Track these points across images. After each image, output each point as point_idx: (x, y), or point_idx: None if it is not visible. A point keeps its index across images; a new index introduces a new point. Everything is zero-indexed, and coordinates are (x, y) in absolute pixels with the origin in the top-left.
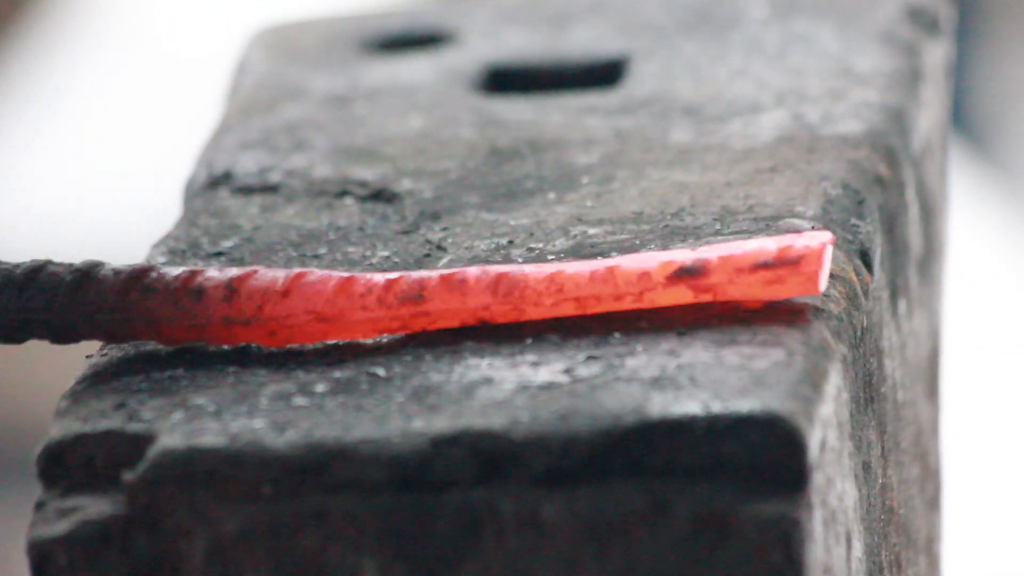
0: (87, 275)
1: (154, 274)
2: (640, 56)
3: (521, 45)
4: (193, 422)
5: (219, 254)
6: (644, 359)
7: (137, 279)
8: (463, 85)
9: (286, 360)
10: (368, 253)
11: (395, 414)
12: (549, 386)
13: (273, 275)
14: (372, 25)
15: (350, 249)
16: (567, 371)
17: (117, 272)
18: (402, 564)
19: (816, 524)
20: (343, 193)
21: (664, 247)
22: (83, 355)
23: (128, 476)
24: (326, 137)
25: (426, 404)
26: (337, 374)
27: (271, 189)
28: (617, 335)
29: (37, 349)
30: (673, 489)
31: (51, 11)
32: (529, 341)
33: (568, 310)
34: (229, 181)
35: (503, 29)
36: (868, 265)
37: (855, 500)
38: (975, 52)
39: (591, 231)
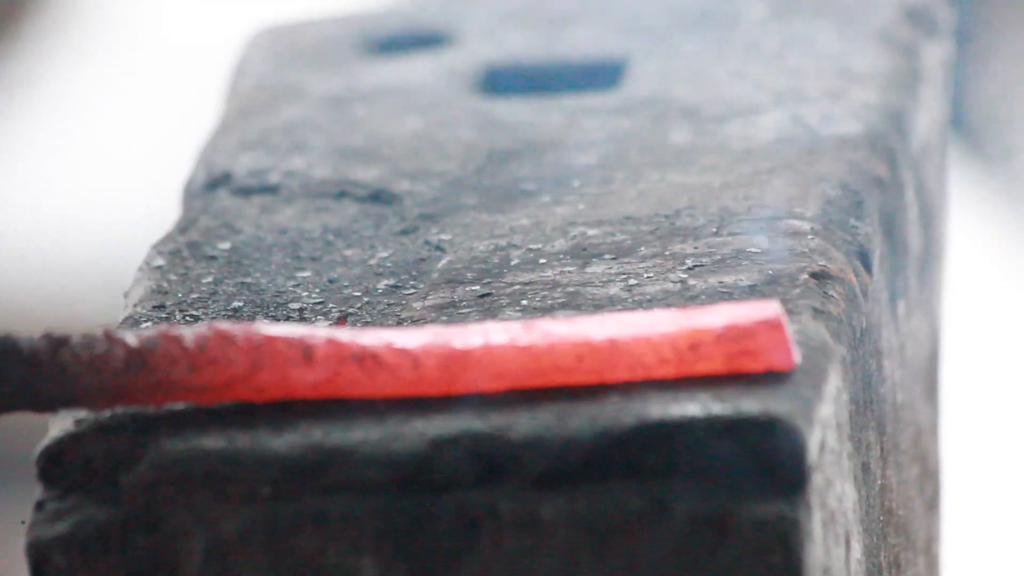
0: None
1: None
2: (639, 57)
3: (520, 46)
4: (192, 422)
5: (215, 258)
6: None
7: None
8: (462, 86)
9: None
10: (367, 254)
11: (394, 415)
12: (548, 387)
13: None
14: (371, 26)
15: (348, 251)
16: None
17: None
18: (401, 565)
19: (815, 525)
20: (342, 194)
21: (663, 248)
22: None
23: (127, 477)
24: (325, 138)
25: (424, 405)
26: None
27: (270, 190)
28: None
29: None
30: (672, 490)
31: (50, 12)
32: None
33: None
34: (228, 182)
35: (502, 30)
36: (867, 266)
37: (854, 501)
38: (975, 53)
39: (590, 232)
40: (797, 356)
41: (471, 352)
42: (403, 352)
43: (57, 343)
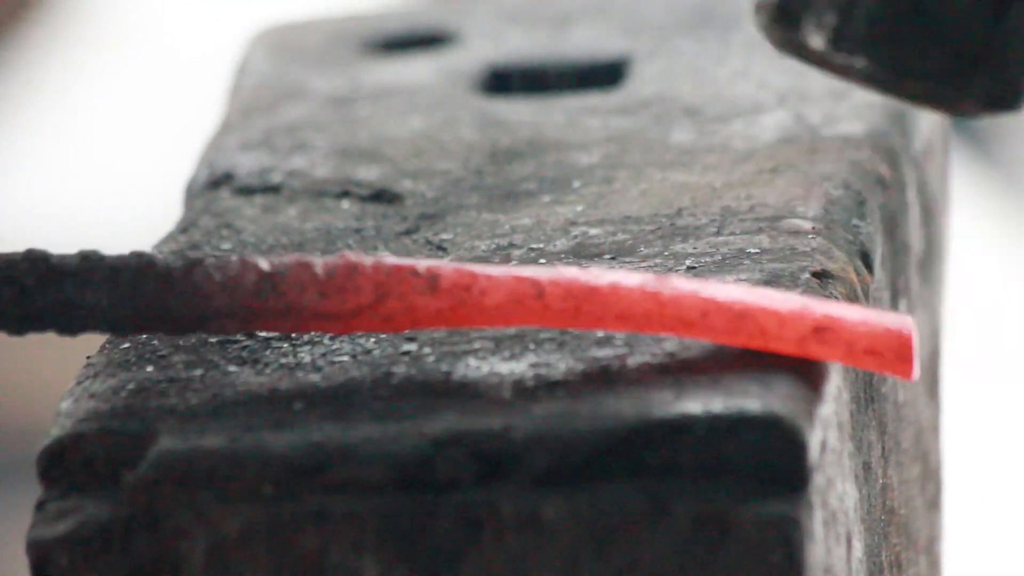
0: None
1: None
2: (641, 57)
3: (522, 45)
4: (193, 422)
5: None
6: (645, 359)
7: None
8: (464, 86)
9: (286, 361)
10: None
11: (396, 414)
12: (550, 386)
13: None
14: (373, 26)
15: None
16: (568, 371)
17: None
18: (403, 564)
19: (816, 525)
20: (344, 194)
21: (665, 248)
22: (83, 354)
23: (128, 476)
24: (327, 138)
25: (427, 404)
26: (340, 376)
27: (272, 190)
28: (619, 336)
29: (38, 349)
30: (674, 489)
31: (54, 11)
32: (531, 345)
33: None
34: (230, 182)
35: (504, 29)
36: (869, 266)
37: (855, 500)
38: None
39: (592, 231)
40: (918, 371)
41: (598, 288)
42: (530, 281)
43: (191, 263)
